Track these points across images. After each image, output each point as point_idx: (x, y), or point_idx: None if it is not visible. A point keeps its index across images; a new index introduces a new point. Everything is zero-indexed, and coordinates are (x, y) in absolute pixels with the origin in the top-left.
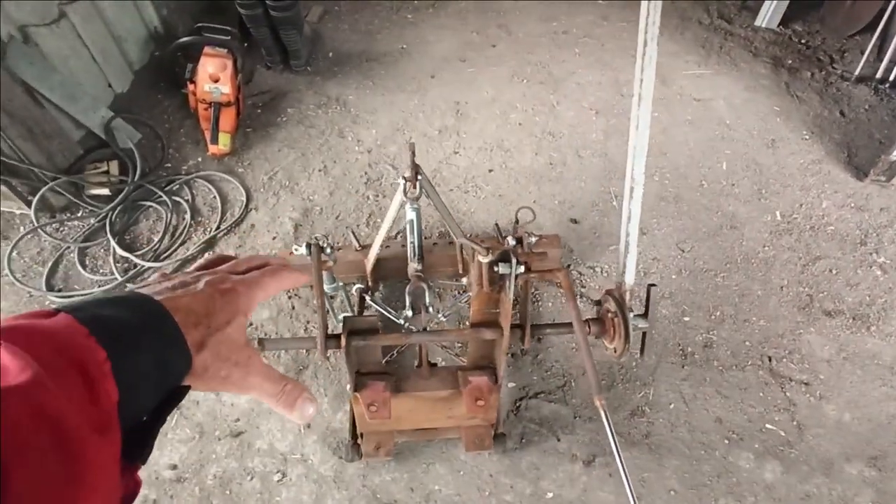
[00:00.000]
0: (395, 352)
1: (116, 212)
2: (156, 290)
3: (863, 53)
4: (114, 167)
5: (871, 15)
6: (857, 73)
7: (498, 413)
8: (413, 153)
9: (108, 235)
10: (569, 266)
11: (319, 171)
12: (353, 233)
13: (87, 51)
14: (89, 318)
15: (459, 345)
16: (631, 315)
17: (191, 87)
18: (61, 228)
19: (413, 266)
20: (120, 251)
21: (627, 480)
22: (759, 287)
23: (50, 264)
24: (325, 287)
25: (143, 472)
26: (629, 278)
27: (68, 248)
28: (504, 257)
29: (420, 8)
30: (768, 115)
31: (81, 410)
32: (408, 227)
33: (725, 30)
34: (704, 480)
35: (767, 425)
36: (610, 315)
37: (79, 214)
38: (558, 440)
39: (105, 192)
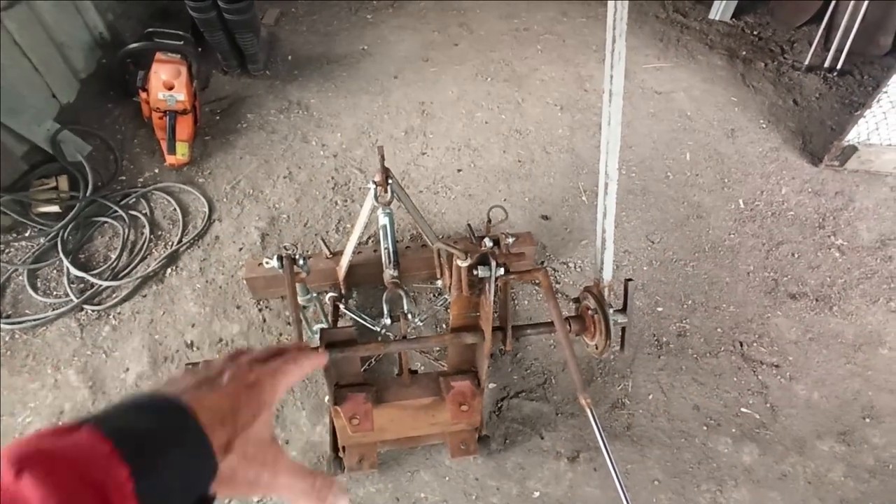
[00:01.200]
0: (373, 360)
1: (68, 230)
2: (180, 387)
3: (811, 44)
4: (63, 182)
5: (817, 6)
6: (806, 62)
7: (481, 415)
8: (382, 157)
9: (61, 255)
10: (543, 263)
11: (284, 177)
12: (324, 240)
13: (27, 59)
14: (114, 431)
15: (438, 349)
16: (610, 311)
17: (143, 95)
18: (7, 250)
19: (389, 273)
20: (75, 271)
21: (618, 478)
22: (727, 274)
23: None
24: (299, 299)
25: None
26: (607, 274)
27: (16, 270)
28: (483, 260)
29: (379, 8)
30: (726, 105)
31: None
32: (381, 232)
33: (681, 23)
34: (686, 468)
35: (742, 409)
36: (590, 312)
37: (27, 234)
38: (542, 438)
39: (55, 209)
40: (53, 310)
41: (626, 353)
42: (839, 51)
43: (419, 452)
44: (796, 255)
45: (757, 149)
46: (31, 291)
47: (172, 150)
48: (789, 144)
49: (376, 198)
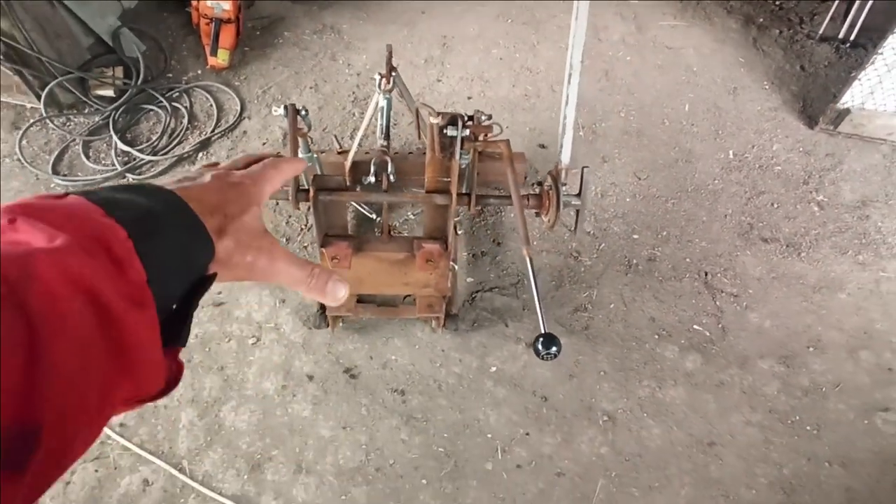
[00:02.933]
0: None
1: (119, 112)
2: (163, 182)
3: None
4: (119, 72)
5: None
6: (821, 32)
7: (453, 295)
8: (390, 53)
9: (111, 132)
10: (534, 185)
11: (311, 88)
12: (336, 137)
13: None
14: (104, 201)
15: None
16: (564, 190)
17: (194, 3)
18: (68, 123)
19: (380, 142)
20: (122, 146)
21: (537, 295)
22: (705, 214)
23: (56, 153)
24: (300, 154)
25: None
26: (565, 158)
27: (74, 140)
28: (453, 121)
29: None
30: (733, 65)
31: (115, 283)
32: (379, 113)
33: None
34: (632, 366)
35: (695, 326)
36: (546, 189)
37: (85, 112)
38: (506, 326)
39: (110, 93)
40: (101, 174)
41: (578, 234)
42: (853, 24)
43: (396, 324)
44: (775, 205)
45: (756, 107)
46: (84, 159)
47: (214, 54)
48: (789, 106)
49: (379, 85)
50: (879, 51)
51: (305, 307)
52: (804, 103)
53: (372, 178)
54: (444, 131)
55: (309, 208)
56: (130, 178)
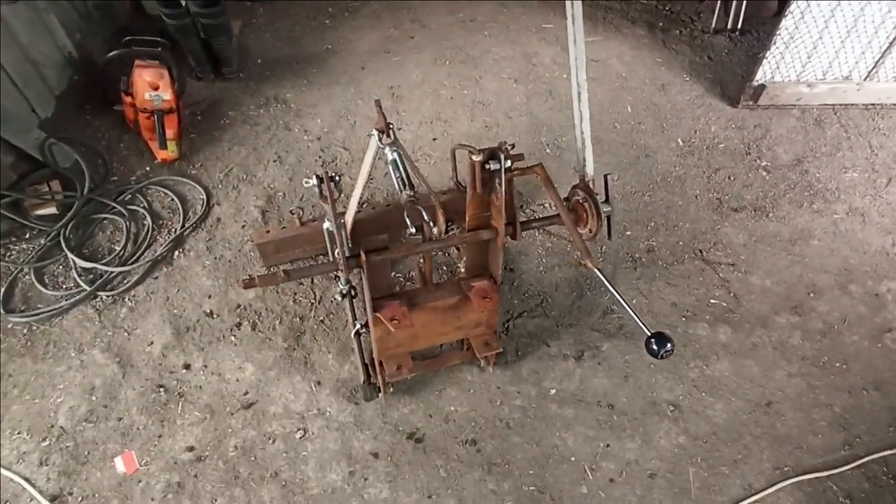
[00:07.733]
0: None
1: (69, 228)
2: None
3: (713, 13)
4: (56, 186)
5: None
6: (713, 26)
7: (497, 319)
8: (380, 107)
9: (66, 251)
10: (522, 206)
11: (274, 161)
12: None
13: (7, 76)
14: None
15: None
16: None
17: (127, 99)
18: (9, 254)
19: (405, 194)
20: (82, 263)
21: (624, 301)
22: (678, 199)
23: (4, 288)
24: (328, 221)
25: (159, 461)
26: (589, 169)
27: (21, 270)
28: (493, 155)
29: (335, 13)
30: (654, 66)
31: None
32: (391, 166)
33: (605, 5)
34: (675, 351)
35: (712, 300)
36: (580, 201)
37: (26, 237)
38: (548, 346)
39: (52, 210)
40: (66, 300)
41: (612, 239)
42: (737, 15)
43: (443, 374)
44: (732, 178)
45: (685, 98)
46: (39, 287)
47: (164, 147)
48: (710, 92)
49: (380, 140)
50: (778, 32)
51: (344, 383)
52: (721, 87)
53: (413, 230)
54: (486, 166)
55: (337, 277)
56: (103, 297)
